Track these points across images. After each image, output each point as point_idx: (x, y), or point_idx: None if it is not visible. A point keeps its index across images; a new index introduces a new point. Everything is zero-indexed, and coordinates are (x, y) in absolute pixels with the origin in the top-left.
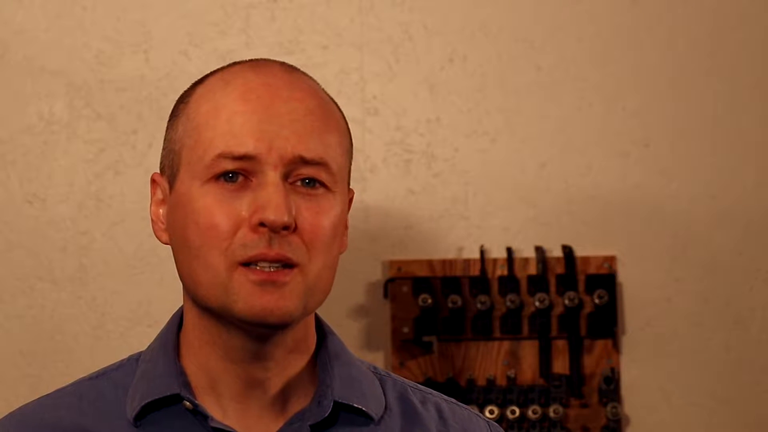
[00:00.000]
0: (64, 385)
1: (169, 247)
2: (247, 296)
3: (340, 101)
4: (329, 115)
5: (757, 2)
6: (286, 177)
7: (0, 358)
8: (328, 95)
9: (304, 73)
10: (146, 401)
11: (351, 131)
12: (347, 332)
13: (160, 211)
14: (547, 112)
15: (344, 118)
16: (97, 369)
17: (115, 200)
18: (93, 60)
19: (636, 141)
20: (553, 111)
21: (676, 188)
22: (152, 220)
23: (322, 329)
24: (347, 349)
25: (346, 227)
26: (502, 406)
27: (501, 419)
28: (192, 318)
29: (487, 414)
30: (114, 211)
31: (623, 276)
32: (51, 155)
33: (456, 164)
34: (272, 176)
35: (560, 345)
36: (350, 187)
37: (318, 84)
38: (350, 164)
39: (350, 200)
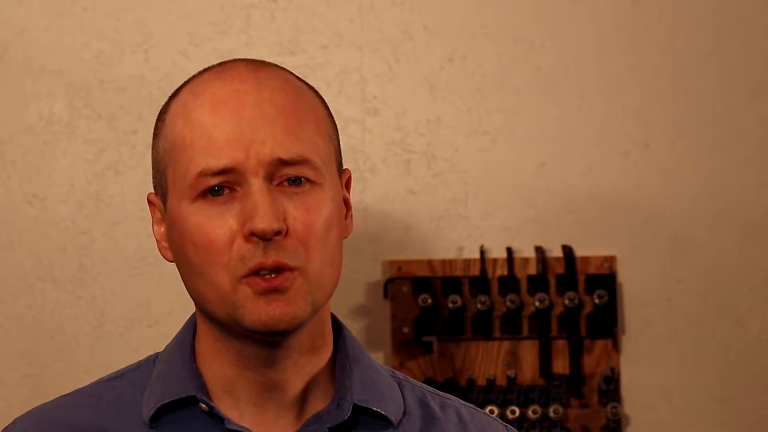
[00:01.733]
0: (63, 384)
1: None
2: (253, 308)
3: (340, 101)
4: (303, 106)
5: (757, 2)
6: (270, 180)
7: (0, 358)
8: (300, 82)
9: (272, 66)
10: (162, 403)
11: (351, 131)
12: None
13: (162, 230)
14: (547, 112)
15: (321, 100)
16: (96, 369)
17: (115, 200)
18: (93, 60)
19: (636, 141)
20: (553, 111)
21: (676, 188)
22: (156, 240)
23: (338, 328)
24: (367, 353)
25: (348, 208)
26: (502, 406)
27: (501, 419)
28: (204, 328)
29: None
30: (114, 211)
31: (623, 276)
32: (51, 155)
33: (456, 164)
34: (255, 183)
35: (560, 345)
36: (346, 168)
37: (288, 73)
38: (337, 145)
39: (348, 180)
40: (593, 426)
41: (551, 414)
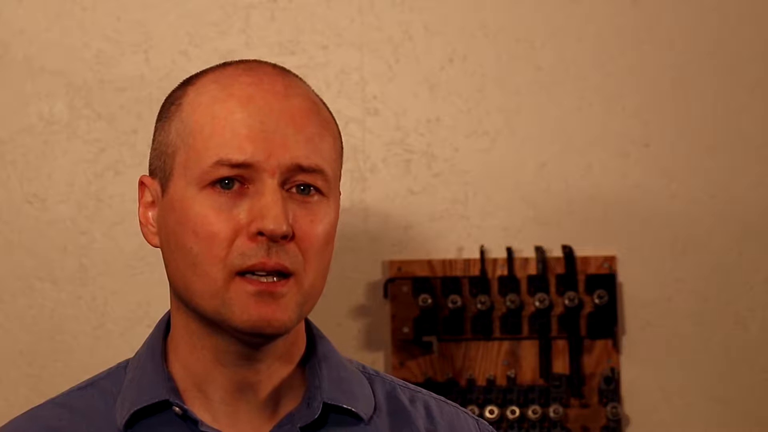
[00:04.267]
0: (63, 384)
1: None
2: (244, 307)
3: (340, 101)
4: (324, 119)
5: (757, 2)
6: (282, 184)
7: (0, 358)
8: (318, 97)
9: (295, 75)
10: (135, 409)
11: (351, 131)
12: (347, 332)
13: (149, 214)
14: (547, 112)
15: (334, 119)
16: (96, 369)
17: (115, 200)
18: (93, 60)
19: (636, 141)
20: (553, 111)
21: (676, 188)
22: (141, 223)
23: (311, 332)
24: (336, 351)
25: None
26: (502, 406)
27: (501, 419)
28: (180, 322)
29: (487, 414)
30: (114, 211)
31: (623, 276)
32: (51, 155)
33: (456, 164)
34: (270, 184)
35: (560, 345)
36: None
37: (308, 85)
38: (341, 166)
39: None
40: (593, 426)
41: (551, 414)
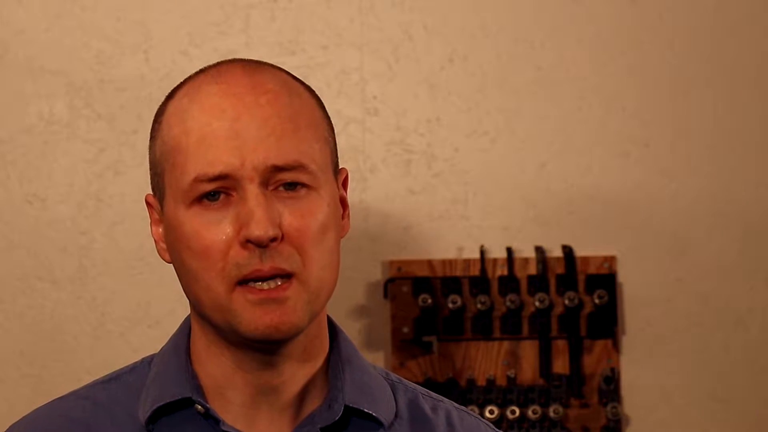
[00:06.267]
0: (63, 384)
1: None
2: (250, 317)
3: (340, 101)
4: (299, 110)
5: (757, 2)
6: (265, 185)
7: (0, 358)
8: (296, 83)
9: (268, 68)
10: (158, 405)
11: (351, 131)
12: (347, 332)
13: (160, 230)
14: (547, 112)
15: (317, 101)
16: (96, 369)
17: (115, 200)
18: (93, 60)
19: (636, 141)
20: (553, 111)
21: (676, 188)
22: (155, 240)
23: (334, 330)
24: (359, 354)
25: (345, 207)
26: (502, 406)
27: (501, 419)
28: (199, 332)
29: (487, 414)
30: (114, 211)
31: (623, 276)
32: (51, 155)
33: (456, 164)
34: (251, 189)
35: (560, 345)
36: (343, 167)
37: (284, 74)
38: (333, 147)
39: (345, 179)
40: (593, 426)
41: (551, 414)
